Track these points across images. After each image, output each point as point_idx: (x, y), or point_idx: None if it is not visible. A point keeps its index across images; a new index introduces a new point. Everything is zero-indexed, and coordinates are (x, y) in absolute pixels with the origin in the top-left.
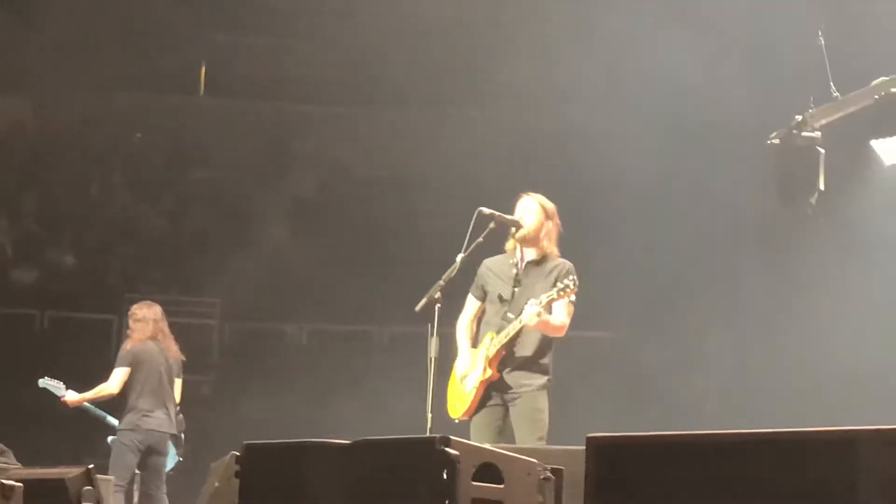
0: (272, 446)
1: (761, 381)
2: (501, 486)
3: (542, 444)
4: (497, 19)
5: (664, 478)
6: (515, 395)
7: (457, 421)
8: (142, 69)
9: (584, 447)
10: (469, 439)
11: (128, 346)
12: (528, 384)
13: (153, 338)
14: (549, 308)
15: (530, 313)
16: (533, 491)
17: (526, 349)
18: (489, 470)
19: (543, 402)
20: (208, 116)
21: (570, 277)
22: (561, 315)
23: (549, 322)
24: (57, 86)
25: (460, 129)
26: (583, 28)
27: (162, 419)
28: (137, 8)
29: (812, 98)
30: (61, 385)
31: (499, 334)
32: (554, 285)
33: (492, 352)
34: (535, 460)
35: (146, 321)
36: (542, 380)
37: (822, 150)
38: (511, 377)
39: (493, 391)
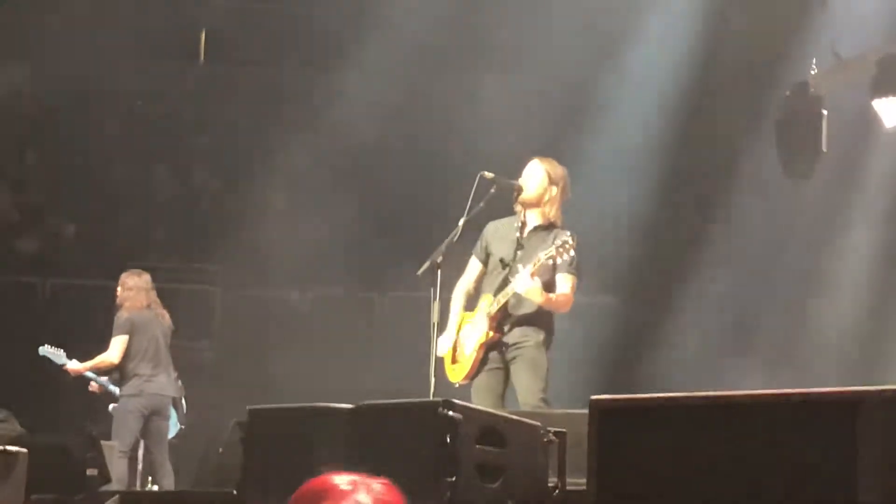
0: (276, 411)
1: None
2: (504, 449)
3: (542, 396)
4: None
5: (667, 440)
6: (515, 353)
7: (457, 385)
8: (142, 35)
9: (586, 410)
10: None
11: (124, 314)
12: (526, 340)
13: (147, 306)
14: (541, 271)
15: (523, 278)
16: (536, 454)
17: (525, 307)
18: (492, 433)
19: (543, 358)
20: (209, 82)
21: (565, 239)
22: (563, 287)
23: (549, 297)
24: (56, 52)
25: (466, 95)
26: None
27: (164, 383)
28: None
29: (815, 60)
30: (62, 353)
31: (497, 296)
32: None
33: (492, 311)
34: (537, 423)
35: (138, 290)
36: (541, 335)
37: (825, 112)
38: (510, 335)
39: (492, 352)
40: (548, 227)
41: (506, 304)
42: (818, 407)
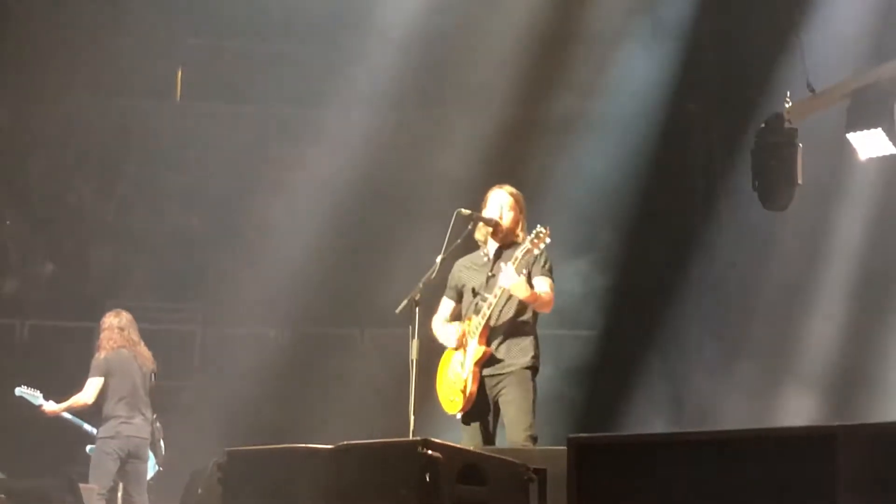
0: (254, 452)
1: None
2: (485, 487)
3: (529, 433)
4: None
5: (645, 477)
6: (502, 381)
7: (457, 416)
8: (118, 74)
9: (566, 447)
10: (458, 435)
11: (101, 355)
12: (513, 363)
13: (123, 346)
14: (522, 267)
15: (507, 272)
16: (516, 492)
17: (508, 313)
18: (472, 471)
19: (529, 387)
20: (186, 120)
21: (538, 230)
22: (542, 286)
23: (534, 292)
24: (33, 91)
25: (439, 130)
26: None
27: (140, 425)
28: (113, 12)
29: (788, 93)
30: (39, 394)
31: (478, 314)
32: (529, 267)
33: (479, 329)
34: (517, 461)
35: (111, 329)
36: (528, 356)
37: (800, 145)
38: (499, 351)
39: (485, 377)
40: (511, 244)
41: (489, 317)
42: (797, 442)
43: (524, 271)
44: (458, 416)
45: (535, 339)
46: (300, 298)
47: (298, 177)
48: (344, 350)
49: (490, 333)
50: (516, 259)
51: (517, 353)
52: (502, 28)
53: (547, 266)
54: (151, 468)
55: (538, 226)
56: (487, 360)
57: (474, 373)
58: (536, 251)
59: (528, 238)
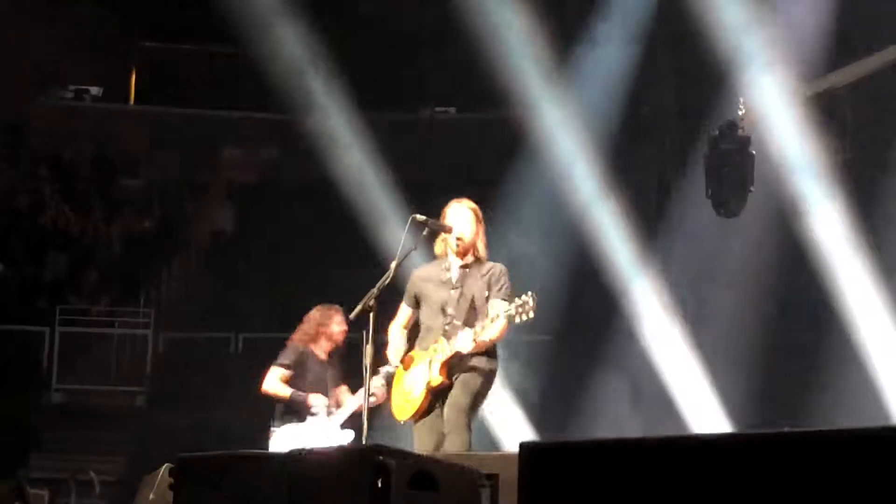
0: (207, 458)
1: None
2: (437, 492)
3: (467, 412)
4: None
5: (596, 483)
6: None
7: (402, 423)
8: (72, 76)
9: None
10: (412, 440)
11: None
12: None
13: None
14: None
15: (464, 340)
16: (469, 497)
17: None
18: (424, 477)
19: (479, 380)
20: (138, 124)
21: (525, 300)
22: (497, 314)
23: (486, 341)
24: None
25: (392, 132)
26: None
27: None
28: (67, 15)
29: (742, 100)
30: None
31: (449, 341)
32: (489, 288)
33: (444, 357)
34: (470, 466)
35: None
36: (488, 364)
37: (754, 152)
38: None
39: (441, 398)
40: (474, 263)
41: (455, 356)
42: (746, 448)
43: (485, 293)
44: (402, 423)
45: (493, 356)
46: (252, 303)
47: (253, 179)
48: None
49: (454, 366)
50: (495, 318)
51: (474, 361)
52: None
53: (506, 289)
54: None
55: (527, 295)
56: (447, 388)
57: (426, 397)
58: (518, 321)
59: (514, 304)
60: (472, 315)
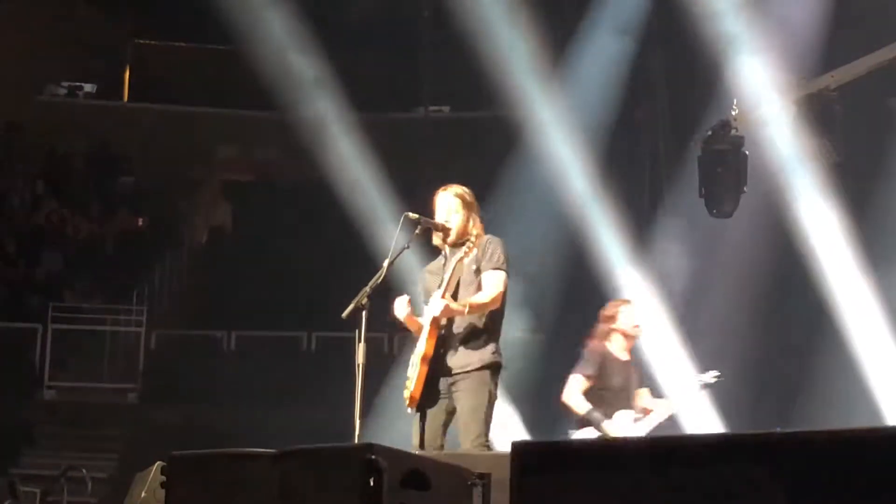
0: (199, 456)
1: None
2: (429, 492)
3: (481, 441)
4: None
5: (588, 483)
6: (459, 382)
7: (410, 411)
8: (66, 74)
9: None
10: (406, 439)
11: None
12: (469, 364)
13: None
14: (466, 281)
15: (434, 304)
16: (460, 497)
17: (461, 325)
18: (416, 477)
19: (485, 392)
20: (132, 121)
21: (492, 249)
22: (487, 287)
23: (469, 303)
24: None
25: (388, 132)
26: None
27: None
28: (62, 13)
29: (735, 100)
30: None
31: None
32: (477, 261)
33: (428, 329)
34: (462, 465)
35: None
36: (486, 355)
37: (748, 153)
38: (453, 359)
39: (438, 375)
40: (473, 246)
41: (434, 318)
42: (738, 449)
43: (472, 267)
44: (409, 412)
45: (493, 335)
46: (246, 301)
47: (247, 178)
48: (291, 352)
49: (441, 338)
50: (453, 274)
51: (471, 354)
52: None
53: (497, 258)
54: None
55: (492, 248)
56: (442, 370)
57: (421, 371)
58: (477, 250)
59: (463, 249)
60: (464, 295)
